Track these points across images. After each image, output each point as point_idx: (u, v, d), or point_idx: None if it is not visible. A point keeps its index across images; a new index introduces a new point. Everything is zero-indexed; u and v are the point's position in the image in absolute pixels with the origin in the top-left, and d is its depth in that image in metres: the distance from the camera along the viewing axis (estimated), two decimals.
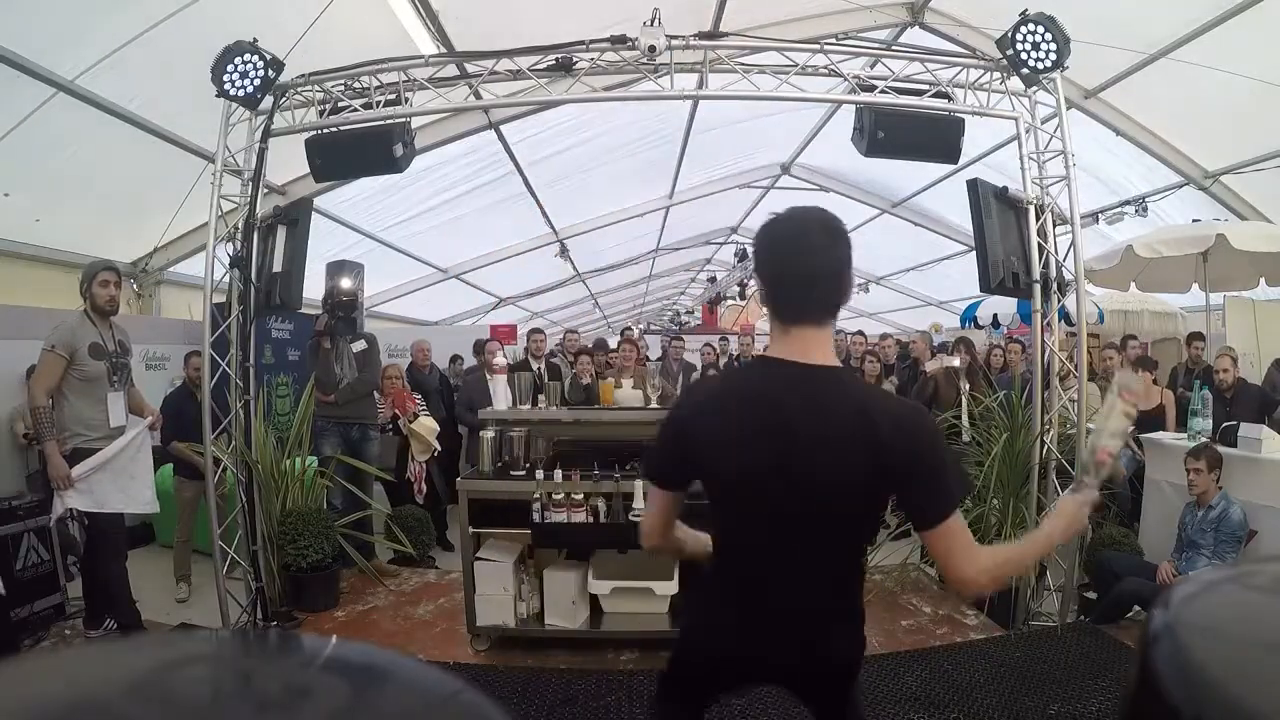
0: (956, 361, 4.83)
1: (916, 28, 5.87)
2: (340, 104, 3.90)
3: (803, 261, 1.24)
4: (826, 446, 1.19)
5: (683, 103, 6.10)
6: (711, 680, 1.42)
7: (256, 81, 3.59)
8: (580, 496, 3.20)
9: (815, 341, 1.25)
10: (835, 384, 1.25)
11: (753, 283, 13.83)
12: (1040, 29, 3.61)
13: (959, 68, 3.99)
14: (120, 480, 3.39)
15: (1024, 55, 3.64)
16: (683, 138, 7.73)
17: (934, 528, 1.20)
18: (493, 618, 3.36)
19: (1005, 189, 3.86)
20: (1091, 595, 3.88)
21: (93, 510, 3.32)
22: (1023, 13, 3.62)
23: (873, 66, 4.14)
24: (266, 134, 3.79)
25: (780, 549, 1.26)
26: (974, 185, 3.84)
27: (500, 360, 4.01)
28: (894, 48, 5.60)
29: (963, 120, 3.88)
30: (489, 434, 3.52)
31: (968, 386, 4.59)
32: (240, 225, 3.72)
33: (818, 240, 1.24)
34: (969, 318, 9.19)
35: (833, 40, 4.59)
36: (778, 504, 1.22)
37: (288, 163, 4.82)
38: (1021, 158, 3.87)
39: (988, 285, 3.80)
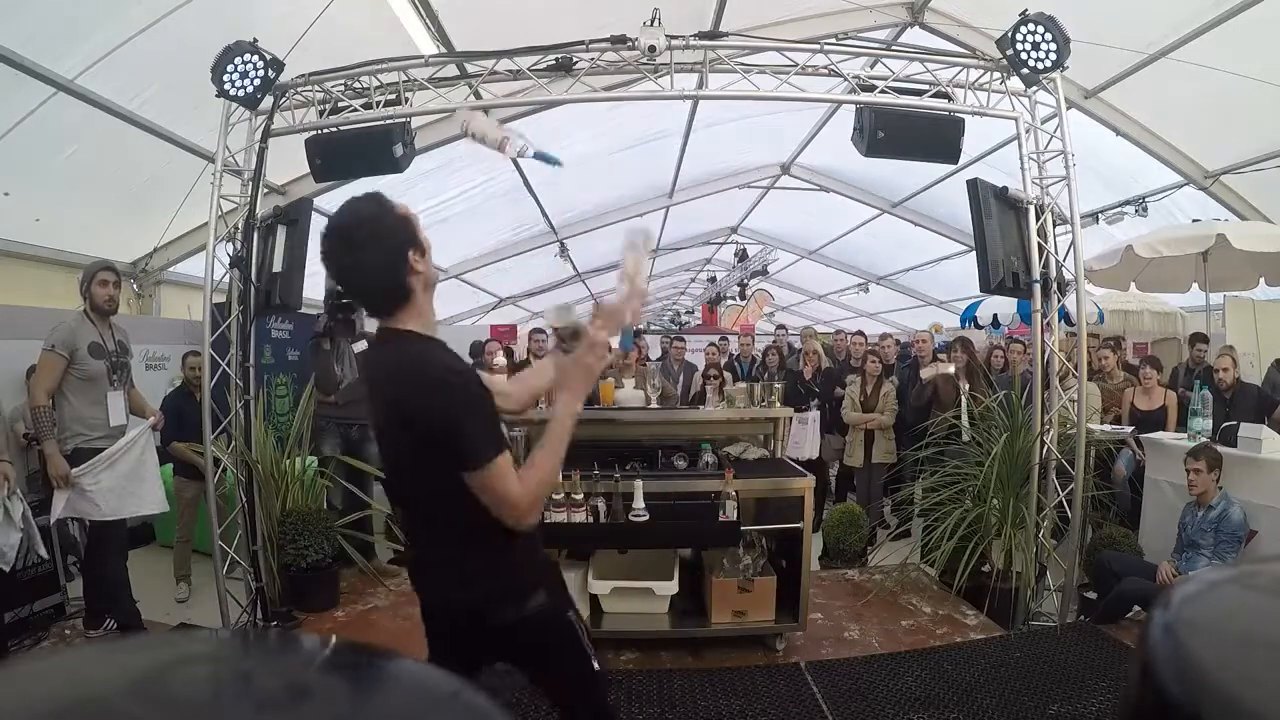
0: (951, 369, 4.82)
1: (916, 28, 5.86)
2: (340, 104, 3.90)
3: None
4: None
5: (683, 103, 6.09)
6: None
7: (256, 81, 3.59)
8: (580, 496, 3.19)
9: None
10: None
11: (753, 282, 13.91)
12: (1040, 29, 3.61)
13: (959, 68, 3.98)
14: (131, 484, 3.41)
15: (1024, 55, 3.64)
16: (683, 138, 7.72)
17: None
18: None
19: (1005, 189, 3.86)
20: (1091, 595, 3.88)
21: (107, 519, 3.33)
22: (1023, 13, 3.62)
23: (873, 66, 4.14)
24: (266, 134, 3.80)
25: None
26: (974, 185, 3.83)
27: (500, 360, 4.02)
28: (894, 48, 5.60)
29: (963, 120, 3.87)
30: None
31: (968, 387, 4.58)
32: (240, 225, 3.72)
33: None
34: (969, 318, 9.18)
35: (833, 40, 4.58)
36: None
37: (288, 163, 4.81)
38: (1021, 158, 3.87)
39: (988, 285, 3.80)
